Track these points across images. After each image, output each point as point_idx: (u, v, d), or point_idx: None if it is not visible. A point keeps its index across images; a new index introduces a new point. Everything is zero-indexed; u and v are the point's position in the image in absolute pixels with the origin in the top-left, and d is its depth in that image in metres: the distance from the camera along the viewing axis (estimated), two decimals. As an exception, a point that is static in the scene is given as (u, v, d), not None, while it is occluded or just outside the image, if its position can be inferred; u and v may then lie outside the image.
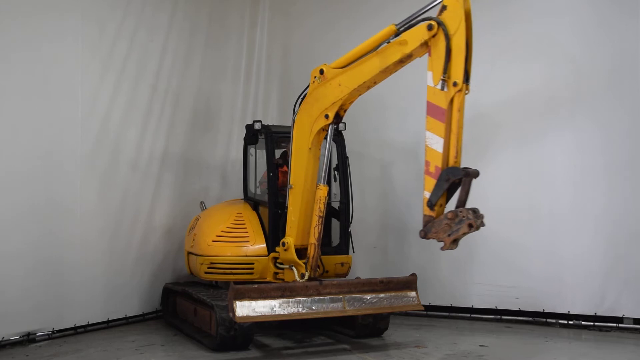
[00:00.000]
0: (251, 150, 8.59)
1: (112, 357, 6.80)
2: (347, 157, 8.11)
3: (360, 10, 9.84)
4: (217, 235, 7.84)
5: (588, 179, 8.16)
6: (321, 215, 6.98)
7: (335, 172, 8.15)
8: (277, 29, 10.70)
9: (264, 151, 7.88)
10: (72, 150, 7.74)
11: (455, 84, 5.71)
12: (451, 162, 5.77)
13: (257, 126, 7.80)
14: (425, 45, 5.99)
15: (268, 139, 7.86)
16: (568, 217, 8.25)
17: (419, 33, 6.02)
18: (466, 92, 5.77)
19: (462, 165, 5.85)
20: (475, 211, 5.69)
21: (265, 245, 7.65)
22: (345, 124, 8.07)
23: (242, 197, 8.69)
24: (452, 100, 5.76)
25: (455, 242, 5.80)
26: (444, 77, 5.75)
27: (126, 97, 8.45)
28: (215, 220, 8.15)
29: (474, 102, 8.83)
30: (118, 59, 8.32)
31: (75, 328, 7.81)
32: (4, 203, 6.96)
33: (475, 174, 5.74)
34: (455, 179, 5.71)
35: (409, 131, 9.36)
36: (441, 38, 5.80)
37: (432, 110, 5.86)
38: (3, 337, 7.01)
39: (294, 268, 7.20)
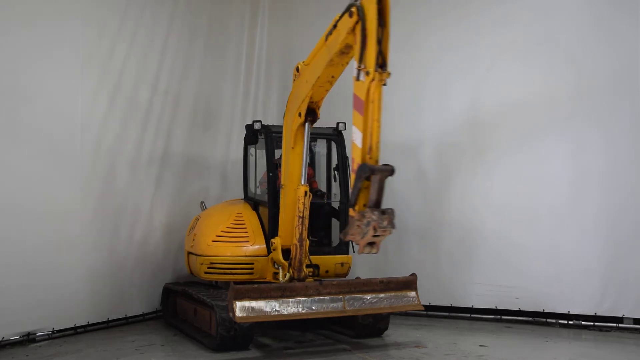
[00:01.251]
0: (251, 150, 8.59)
1: (112, 357, 6.80)
2: (347, 157, 8.10)
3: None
4: (217, 235, 7.84)
5: (588, 179, 8.16)
6: (301, 215, 6.90)
7: (335, 172, 8.16)
8: (277, 30, 10.70)
9: (264, 151, 7.89)
10: (72, 150, 7.73)
11: (367, 73, 5.30)
12: (366, 159, 5.30)
13: (257, 126, 7.80)
14: (353, 33, 5.62)
15: (268, 139, 7.86)
16: (568, 217, 8.25)
17: (345, 20, 5.70)
18: (382, 81, 5.28)
19: (384, 162, 5.38)
20: (384, 212, 5.20)
21: (264, 245, 7.64)
22: (345, 123, 8.07)
23: (242, 197, 8.70)
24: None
25: (372, 246, 5.36)
26: (359, 66, 5.37)
27: (126, 97, 8.45)
28: (215, 220, 8.15)
29: (474, 102, 8.98)
30: (118, 59, 8.32)
31: (75, 328, 7.81)
32: (3, 203, 6.95)
33: (386, 171, 5.25)
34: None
35: (409, 131, 9.38)
36: (360, 24, 5.43)
37: (355, 102, 5.46)
38: (3, 337, 7.01)
39: (280, 268, 7.20)
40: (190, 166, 9.56)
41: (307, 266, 7.21)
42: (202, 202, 8.93)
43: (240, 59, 10.39)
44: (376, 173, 5.24)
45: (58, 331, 7.60)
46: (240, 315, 6.34)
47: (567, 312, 8.29)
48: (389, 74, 5.34)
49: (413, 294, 7.24)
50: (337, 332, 7.77)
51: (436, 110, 9.16)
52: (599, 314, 8.11)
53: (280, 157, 8.08)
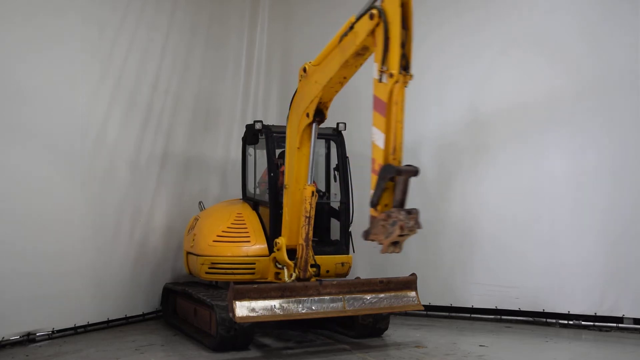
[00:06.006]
0: (250, 150, 8.59)
1: (112, 357, 6.80)
2: (347, 157, 8.10)
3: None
4: (218, 235, 7.83)
5: (588, 179, 8.15)
6: (307, 215, 6.92)
7: (335, 172, 8.16)
8: (277, 29, 10.70)
9: (264, 151, 7.89)
10: (72, 150, 7.73)
11: (391, 75, 5.37)
12: (389, 159, 5.41)
13: (258, 126, 7.80)
14: (372, 35, 5.67)
15: (269, 139, 7.86)
16: (568, 218, 8.25)
17: (365, 22, 5.73)
18: (405, 83, 5.39)
19: (409, 163, 5.50)
20: (410, 212, 5.27)
21: (266, 245, 7.64)
22: (345, 123, 8.07)
23: (240, 197, 8.70)
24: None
25: (395, 245, 5.46)
26: (382, 68, 5.45)
27: (126, 97, 8.44)
28: (215, 220, 8.14)
29: (473, 103, 8.97)
30: (118, 58, 8.31)
31: (75, 328, 7.80)
32: (3, 203, 6.94)
33: (412, 171, 5.34)
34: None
35: (409, 131, 9.30)
36: (382, 27, 5.50)
37: (376, 104, 5.56)
38: (3, 337, 7.01)
39: (285, 268, 7.20)
40: (190, 166, 9.55)
41: (311, 266, 7.21)
42: (200, 202, 8.94)
43: (240, 58, 10.39)
44: (402, 174, 5.35)
45: (58, 331, 7.60)
46: (240, 315, 6.34)
47: (567, 312, 8.29)
48: (412, 76, 5.43)
49: (413, 294, 7.24)
50: (337, 332, 7.77)
51: (436, 110, 9.15)
52: (599, 314, 8.11)
53: (279, 157, 8.11)
